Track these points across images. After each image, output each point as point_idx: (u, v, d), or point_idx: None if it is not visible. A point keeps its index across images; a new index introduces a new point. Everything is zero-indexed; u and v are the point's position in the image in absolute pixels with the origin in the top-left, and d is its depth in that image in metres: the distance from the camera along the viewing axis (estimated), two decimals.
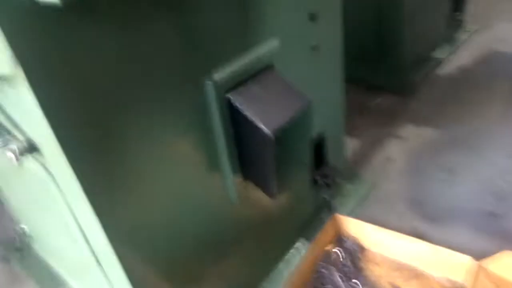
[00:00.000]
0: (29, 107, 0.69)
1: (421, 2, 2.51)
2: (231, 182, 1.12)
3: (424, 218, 1.67)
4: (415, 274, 1.39)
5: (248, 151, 1.08)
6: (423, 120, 2.30)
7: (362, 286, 1.34)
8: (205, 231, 1.12)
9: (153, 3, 0.81)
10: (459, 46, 3.01)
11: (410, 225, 1.62)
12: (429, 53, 2.86)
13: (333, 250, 1.46)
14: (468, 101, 2.39)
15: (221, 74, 0.98)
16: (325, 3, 1.34)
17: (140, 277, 0.96)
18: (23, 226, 1.52)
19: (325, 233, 1.45)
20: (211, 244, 1.16)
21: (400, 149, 2.10)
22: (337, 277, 1.35)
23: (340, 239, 1.48)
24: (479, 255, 1.28)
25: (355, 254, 1.43)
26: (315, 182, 1.59)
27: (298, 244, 1.53)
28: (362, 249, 1.46)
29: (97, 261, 1.00)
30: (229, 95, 1.00)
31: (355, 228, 1.48)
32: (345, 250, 1.43)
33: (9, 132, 0.84)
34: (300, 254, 1.47)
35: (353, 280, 1.35)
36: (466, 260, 1.28)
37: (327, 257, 1.43)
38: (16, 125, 0.83)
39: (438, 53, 2.90)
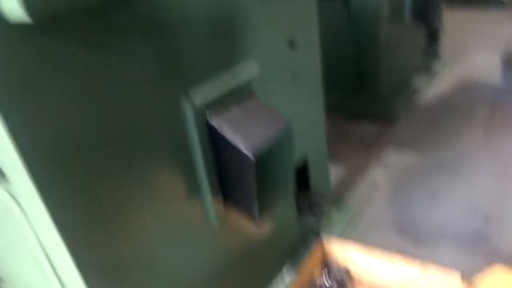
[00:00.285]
0: None
1: (397, 35, 2.61)
2: (211, 207, 1.09)
3: (410, 241, 1.65)
4: None
5: (229, 174, 1.06)
6: (405, 146, 2.33)
7: None
8: (187, 263, 1.08)
9: (129, 26, 0.81)
10: (437, 75, 3.11)
11: (397, 248, 1.59)
12: (407, 82, 2.94)
13: (320, 277, 1.41)
14: (448, 127, 2.44)
15: (200, 97, 0.98)
16: (303, 32, 1.38)
17: None
18: None
19: (312, 259, 1.41)
20: (195, 277, 1.11)
21: (383, 174, 2.10)
22: None
23: (327, 265, 1.44)
24: (466, 275, 1.26)
25: (342, 282, 1.38)
26: (300, 207, 1.57)
27: (284, 272, 1.48)
28: (349, 275, 1.41)
29: None
30: (208, 118, 0.99)
31: (342, 253, 1.45)
32: (332, 276, 1.38)
33: None
34: (286, 282, 1.41)
35: None
36: (456, 280, 1.26)
37: (313, 285, 1.38)
38: None
39: (417, 83, 2.99)
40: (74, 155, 0.76)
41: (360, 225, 1.77)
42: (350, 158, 2.26)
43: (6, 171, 0.76)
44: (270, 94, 1.18)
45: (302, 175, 1.55)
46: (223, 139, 0.98)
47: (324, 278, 1.39)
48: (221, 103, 1.03)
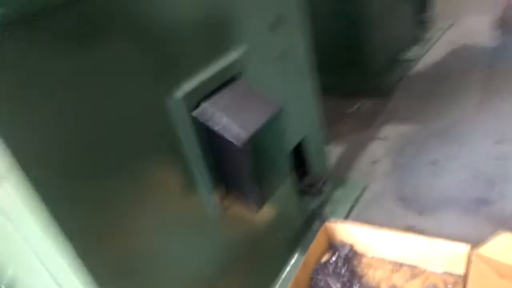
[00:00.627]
0: None
1: (387, 6, 2.57)
2: (211, 198, 1.08)
3: (415, 213, 1.64)
4: (415, 273, 1.35)
5: (224, 163, 1.05)
6: (402, 118, 2.31)
7: None
8: (193, 257, 1.07)
9: (110, 24, 0.78)
10: (431, 44, 3.07)
11: (403, 222, 1.59)
12: (400, 54, 2.91)
13: (328, 259, 1.41)
14: (445, 95, 2.41)
15: (187, 89, 0.95)
16: (289, 11, 1.34)
17: None
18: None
19: (318, 243, 1.41)
20: (203, 270, 1.10)
21: (383, 149, 2.09)
22: (334, 286, 1.30)
23: (333, 247, 1.44)
24: (473, 242, 1.25)
25: (350, 261, 1.38)
26: (301, 192, 1.56)
27: (291, 258, 1.48)
28: (357, 254, 1.41)
29: None
30: (197, 109, 0.98)
31: (348, 233, 1.44)
32: (340, 257, 1.38)
33: None
34: (294, 268, 1.41)
35: (352, 287, 1.30)
36: (463, 250, 1.25)
37: (322, 268, 1.38)
38: None
39: (411, 54, 2.95)
40: (65, 163, 0.74)
41: (363, 201, 1.76)
42: (349, 136, 2.25)
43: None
44: (259, 78, 1.16)
45: (300, 157, 1.54)
46: (213, 128, 0.97)
47: (332, 259, 1.39)
48: (208, 92, 1.01)
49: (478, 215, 1.56)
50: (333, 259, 1.38)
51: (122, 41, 0.81)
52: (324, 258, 1.40)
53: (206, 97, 1.00)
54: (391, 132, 2.21)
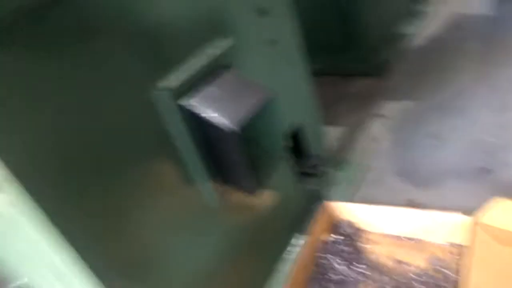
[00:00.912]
0: None
1: None
2: (209, 190, 1.09)
3: (417, 187, 1.65)
4: (417, 246, 1.36)
5: (218, 153, 1.06)
6: (401, 94, 2.30)
7: (365, 268, 1.31)
8: (197, 250, 1.08)
9: (93, 13, 0.78)
10: (427, 17, 3.02)
11: (405, 197, 1.59)
12: (396, 30, 2.87)
13: (331, 238, 1.43)
14: (443, 67, 2.39)
15: (174, 82, 0.96)
16: None
17: None
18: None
19: (319, 223, 1.43)
20: (208, 262, 1.12)
21: (383, 126, 2.09)
22: (338, 264, 1.32)
23: (335, 225, 1.46)
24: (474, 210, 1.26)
25: (353, 238, 1.40)
26: (302, 174, 1.57)
27: (293, 240, 1.50)
28: (359, 231, 1.43)
29: None
30: (185, 101, 0.98)
31: (348, 211, 1.46)
32: (342, 235, 1.40)
33: None
34: (297, 249, 1.43)
35: (355, 264, 1.32)
36: (461, 220, 1.26)
37: (326, 247, 1.40)
38: None
39: (406, 29, 2.91)
40: (59, 168, 0.75)
41: (365, 180, 1.77)
42: (348, 117, 2.24)
43: None
44: (249, 65, 1.16)
45: (298, 141, 1.55)
46: (204, 117, 0.98)
47: (334, 237, 1.41)
48: (198, 82, 1.02)
49: (480, 185, 1.56)
50: (336, 238, 1.40)
51: (107, 36, 0.81)
52: (328, 238, 1.42)
53: (196, 87, 1.01)
54: (390, 109, 2.20)
